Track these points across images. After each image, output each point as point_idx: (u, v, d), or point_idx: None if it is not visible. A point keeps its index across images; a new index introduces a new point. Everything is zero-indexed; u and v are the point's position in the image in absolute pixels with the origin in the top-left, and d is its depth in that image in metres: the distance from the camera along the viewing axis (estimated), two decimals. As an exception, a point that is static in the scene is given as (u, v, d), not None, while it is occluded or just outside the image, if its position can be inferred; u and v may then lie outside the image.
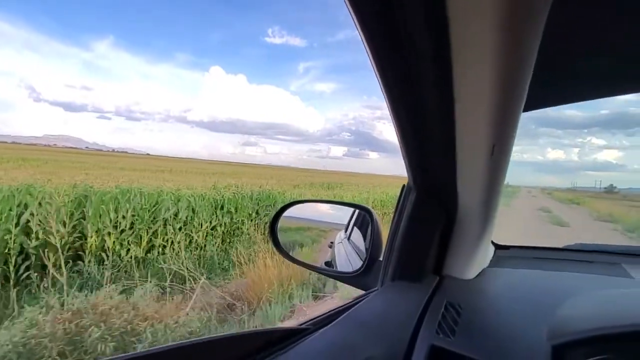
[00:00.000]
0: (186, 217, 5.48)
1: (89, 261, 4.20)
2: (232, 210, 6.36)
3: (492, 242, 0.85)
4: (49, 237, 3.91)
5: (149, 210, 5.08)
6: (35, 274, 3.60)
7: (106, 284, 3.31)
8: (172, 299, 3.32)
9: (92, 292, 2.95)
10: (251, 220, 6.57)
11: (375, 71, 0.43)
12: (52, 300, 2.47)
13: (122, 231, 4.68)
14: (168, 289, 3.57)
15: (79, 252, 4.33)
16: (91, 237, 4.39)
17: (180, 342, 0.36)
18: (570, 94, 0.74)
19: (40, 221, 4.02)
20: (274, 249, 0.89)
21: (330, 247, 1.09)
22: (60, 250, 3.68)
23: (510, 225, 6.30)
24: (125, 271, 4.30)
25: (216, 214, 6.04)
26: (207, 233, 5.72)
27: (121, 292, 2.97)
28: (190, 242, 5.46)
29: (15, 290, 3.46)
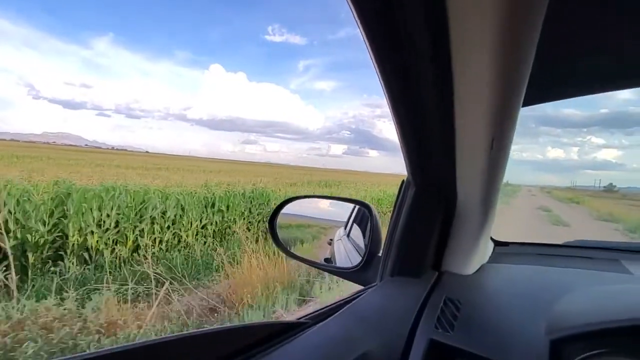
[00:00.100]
0: (175, 216, 5.44)
1: (71, 261, 4.14)
2: (224, 208, 6.34)
3: (492, 239, 0.87)
4: (26, 237, 3.84)
5: (134, 209, 5.03)
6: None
7: (72, 288, 3.04)
8: (136, 305, 3.07)
9: (45, 298, 2.73)
10: (244, 219, 6.56)
11: (374, 64, 0.44)
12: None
13: (107, 230, 4.63)
14: (140, 293, 3.30)
15: (59, 252, 4.26)
16: (73, 236, 4.32)
17: (179, 333, 0.37)
18: (570, 88, 0.77)
19: (17, 219, 3.94)
20: (274, 244, 0.90)
21: (330, 244, 1.11)
22: (39, 249, 3.59)
23: (510, 225, 6.40)
24: (110, 272, 4.24)
25: (207, 212, 6.02)
26: (197, 232, 5.69)
27: (79, 299, 2.77)
28: (179, 241, 5.42)
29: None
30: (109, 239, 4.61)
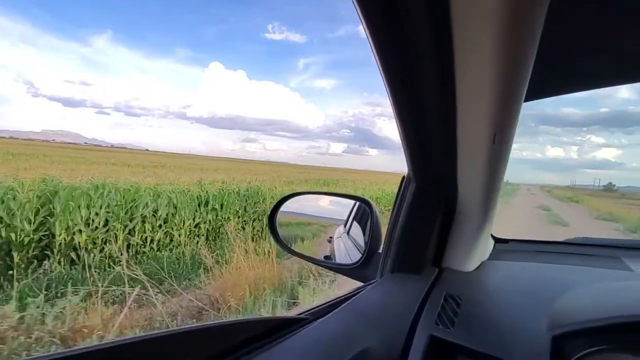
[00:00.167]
0: (167, 214, 5.41)
1: (58, 261, 4.09)
2: (217, 207, 6.32)
3: (492, 236, 0.89)
4: (10, 236, 3.78)
5: (124, 207, 4.99)
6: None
7: (45, 290, 2.92)
8: (108, 310, 2.87)
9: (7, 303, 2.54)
10: (238, 217, 6.55)
11: (377, 62, 0.45)
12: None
13: (95, 229, 4.59)
14: (119, 296, 3.12)
15: (45, 252, 4.22)
16: (60, 235, 4.28)
17: (179, 327, 0.38)
18: (571, 83, 0.78)
19: (0, 218, 3.88)
20: (273, 241, 0.90)
21: (330, 242, 1.11)
22: (24, 248, 3.54)
23: (510, 224, 6.48)
24: (98, 271, 4.20)
25: (200, 210, 5.99)
26: (189, 231, 5.67)
27: (49, 300, 2.63)
28: (171, 240, 5.40)
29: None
30: (97, 237, 4.57)
